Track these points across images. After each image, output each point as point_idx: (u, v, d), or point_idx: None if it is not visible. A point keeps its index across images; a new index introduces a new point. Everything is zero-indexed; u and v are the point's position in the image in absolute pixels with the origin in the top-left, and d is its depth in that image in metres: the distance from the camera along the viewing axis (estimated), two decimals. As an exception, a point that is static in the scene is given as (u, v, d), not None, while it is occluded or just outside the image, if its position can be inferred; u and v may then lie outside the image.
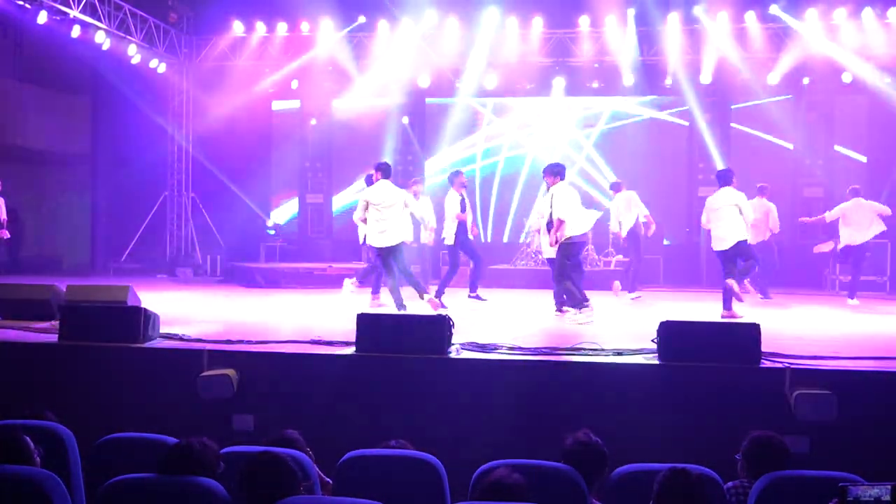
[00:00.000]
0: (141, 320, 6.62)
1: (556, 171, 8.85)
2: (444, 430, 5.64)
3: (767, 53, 14.20)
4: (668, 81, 14.85)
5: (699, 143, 15.29)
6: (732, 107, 15.41)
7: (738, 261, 9.40)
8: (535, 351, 6.34)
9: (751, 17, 13.93)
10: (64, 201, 17.14)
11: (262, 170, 16.81)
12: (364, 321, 6.31)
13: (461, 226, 10.26)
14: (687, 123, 15.56)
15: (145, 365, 6.43)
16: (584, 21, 14.40)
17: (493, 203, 16.34)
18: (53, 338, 6.76)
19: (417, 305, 9.00)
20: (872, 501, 2.91)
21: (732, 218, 9.25)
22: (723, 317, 9.13)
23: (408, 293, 9.18)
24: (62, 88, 16.38)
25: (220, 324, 8.12)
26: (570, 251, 8.65)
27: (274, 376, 6.25)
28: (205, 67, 16.03)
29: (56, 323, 6.94)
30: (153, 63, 15.10)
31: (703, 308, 10.18)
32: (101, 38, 13.53)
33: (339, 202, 16.73)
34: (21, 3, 12.23)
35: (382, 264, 9.31)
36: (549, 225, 8.74)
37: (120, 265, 15.89)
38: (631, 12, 14.09)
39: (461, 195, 10.33)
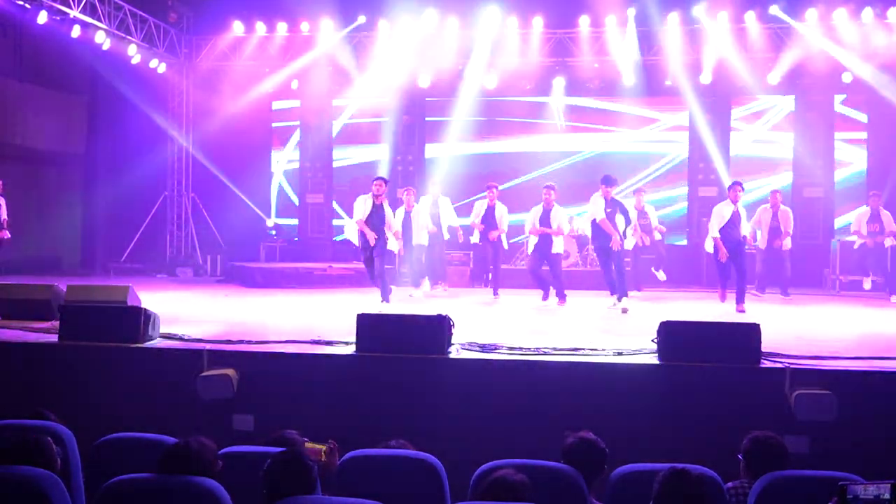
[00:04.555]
0: (141, 320, 6.62)
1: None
2: (444, 430, 5.64)
3: (767, 53, 14.20)
4: (668, 82, 14.86)
5: (699, 143, 15.31)
6: (732, 108, 15.42)
7: None
8: (536, 351, 6.34)
9: (751, 17, 13.92)
10: (64, 201, 17.13)
11: (263, 170, 16.82)
12: (364, 321, 6.31)
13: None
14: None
15: (145, 365, 6.44)
16: (584, 21, 14.40)
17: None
18: (53, 338, 6.76)
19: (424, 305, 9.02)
20: (872, 500, 2.91)
21: None
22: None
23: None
24: (62, 88, 16.38)
25: (220, 324, 8.12)
26: None
27: (274, 376, 6.25)
28: (205, 67, 16.03)
29: (56, 323, 6.94)
30: (153, 63, 15.10)
31: (703, 308, 10.19)
32: (101, 38, 13.54)
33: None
34: (21, 3, 12.24)
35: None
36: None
37: (120, 265, 15.88)
38: (631, 12, 14.09)
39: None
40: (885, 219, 11.84)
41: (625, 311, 9.66)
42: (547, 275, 10.82)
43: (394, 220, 10.21)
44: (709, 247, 10.36)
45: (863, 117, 14.99)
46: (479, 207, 11.65)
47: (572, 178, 15.41)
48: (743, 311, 9.71)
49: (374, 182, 10.10)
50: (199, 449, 3.52)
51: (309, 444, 4.30)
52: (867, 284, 12.03)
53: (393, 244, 10.25)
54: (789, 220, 11.96)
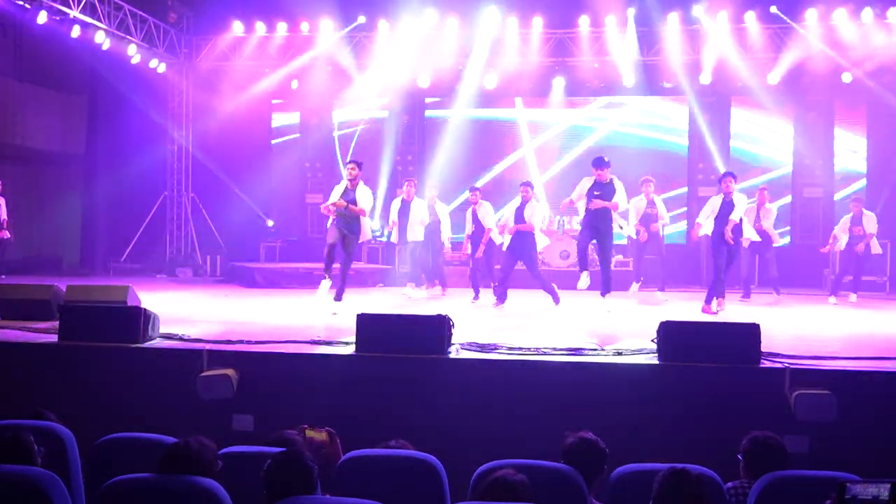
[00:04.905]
0: (141, 320, 6.62)
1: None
2: (444, 430, 5.64)
3: (767, 53, 14.21)
4: (668, 83, 14.88)
5: (699, 143, 15.32)
6: (732, 107, 15.42)
7: None
8: (536, 351, 6.34)
9: (751, 17, 13.93)
10: (64, 201, 17.13)
11: (262, 170, 16.82)
12: (364, 321, 6.31)
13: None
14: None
15: (145, 365, 6.43)
16: (584, 21, 14.40)
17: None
18: (53, 338, 6.76)
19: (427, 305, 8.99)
20: (870, 500, 2.90)
21: None
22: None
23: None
24: (62, 88, 16.39)
25: (220, 324, 8.12)
26: None
27: (274, 376, 6.25)
28: (205, 67, 16.03)
29: (56, 323, 6.94)
30: (153, 63, 15.10)
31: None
32: (101, 38, 13.54)
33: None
34: (21, 3, 12.23)
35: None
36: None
37: (120, 265, 15.89)
38: (631, 12, 14.10)
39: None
40: (865, 221, 11.64)
41: (609, 311, 9.39)
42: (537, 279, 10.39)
43: (365, 203, 9.38)
44: (701, 231, 10.08)
45: (862, 118, 15.01)
46: (468, 217, 11.42)
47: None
48: (708, 312, 9.55)
49: (348, 165, 9.58)
50: (199, 449, 3.52)
51: (310, 433, 4.35)
52: (853, 297, 11.57)
53: (367, 232, 9.67)
54: (769, 216, 11.78)
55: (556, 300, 10.35)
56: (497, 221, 11.35)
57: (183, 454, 3.46)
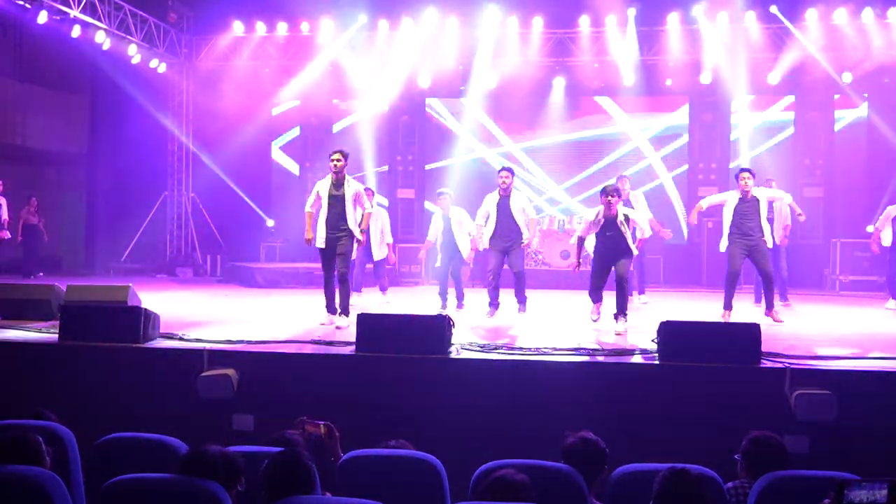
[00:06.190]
0: (141, 320, 6.62)
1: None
2: (444, 430, 5.64)
3: (767, 53, 14.20)
4: (668, 82, 14.88)
5: (700, 143, 15.32)
6: (732, 107, 15.41)
7: None
8: (536, 351, 6.34)
9: (751, 17, 13.92)
10: (64, 201, 17.14)
11: (262, 170, 16.82)
12: (364, 321, 6.31)
13: None
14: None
15: (145, 365, 6.44)
16: (584, 21, 14.40)
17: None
18: (53, 338, 6.76)
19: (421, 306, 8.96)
20: (869, 500, 2.90)
21: None
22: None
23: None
24: (62, 88, 16.41)
25: (220, 324, 8.12)
26: None
27: (274, 376, 6.26)
28: (205, 67, 16.03)
29: (56, 323, 6.94)
30: (153, 63, 15.11)
31: (703, 308, 10.17)
32: (101, 38, 13.54)
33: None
34: (21, 3, 12.23)
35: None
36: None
37: (120, 265, 15.90)
38: (631, 12, 14.10)
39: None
40: None
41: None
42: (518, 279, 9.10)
43: (357, 212, 7.94)
44: (722, 246, 8.89)
45: (862, 117, 15.01)
46: (436, 225, 9.94)
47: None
48: (780, 321, 8.49)
49: (333, 155, 7.94)
50: (219, 458, 3.43)
51: (310, 427, 4.38)
52: (891, 304, 10.42)
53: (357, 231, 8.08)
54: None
55: (523, 308, 9.16)
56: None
57: (198, 460, 3.42)
